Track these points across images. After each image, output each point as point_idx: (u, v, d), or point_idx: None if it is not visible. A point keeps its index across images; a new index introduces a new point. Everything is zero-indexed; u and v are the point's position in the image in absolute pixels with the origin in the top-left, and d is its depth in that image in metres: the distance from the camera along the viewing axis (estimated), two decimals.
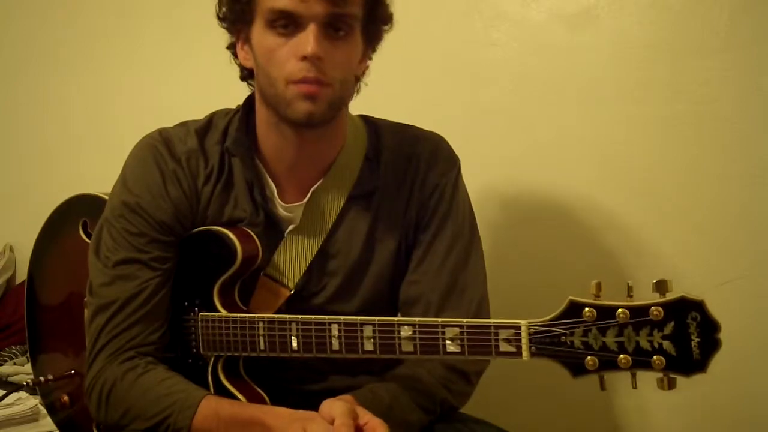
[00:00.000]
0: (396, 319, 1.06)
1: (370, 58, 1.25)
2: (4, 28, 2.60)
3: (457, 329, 1.01)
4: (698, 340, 0.91)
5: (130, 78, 2.30)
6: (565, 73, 1.65)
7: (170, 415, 1.11)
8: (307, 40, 1.09)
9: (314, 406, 1.04)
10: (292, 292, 1.22)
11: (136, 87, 2.29)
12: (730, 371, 1.50)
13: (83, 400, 1.27)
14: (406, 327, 1.04)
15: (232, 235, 1.19)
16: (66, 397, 1.47)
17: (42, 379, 1.49)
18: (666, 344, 0.91)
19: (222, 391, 1.17)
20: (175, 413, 1.11)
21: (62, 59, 2.44)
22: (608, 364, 0.94)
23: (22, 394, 1.75)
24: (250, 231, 1.22)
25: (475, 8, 1.74)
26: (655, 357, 0.92)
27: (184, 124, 1.29)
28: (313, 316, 1.11)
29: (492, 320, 1.00)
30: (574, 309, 0.95)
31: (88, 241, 1.30)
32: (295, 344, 1.11)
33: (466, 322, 1.01)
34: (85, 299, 1.25)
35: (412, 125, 1.33)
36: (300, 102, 1.11)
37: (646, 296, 0.94)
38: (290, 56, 1.10)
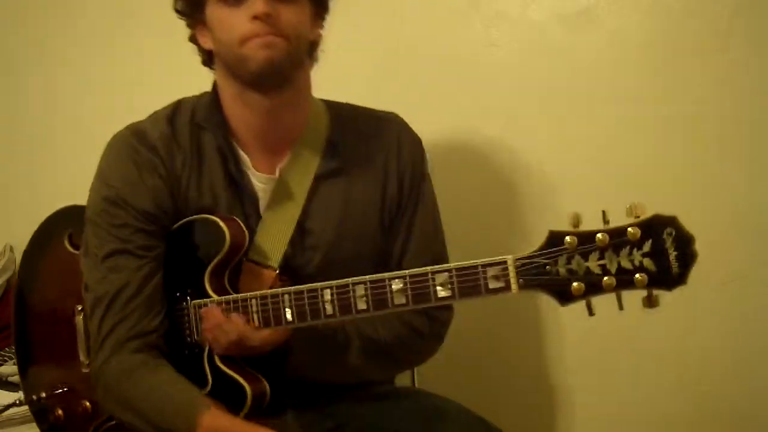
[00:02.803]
0: (387, 274, 1.07)
1: (322, 27, 1.30)
2: (8, 29, 2.59)
3: (446, 274, 1.03)
4: (676, 253, 0.93)
5: (138, 78, 2.29)
6: (564, 73, 1.65)
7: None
8: (256, 1, 1.16)
9: (310, 390, 1.13)
10: (277, 272, 1.24)
11: (142, 88, 2.29)
12: (730, 371, 1.51)
13: (78, 412, 1.28)
14: (397, 280, 1.05)
15: (218, 220, 1.21)
16: (60, 411, 1.44)
17: (35, 397, 1.46)
18: (646, 261, 0.93)
19: (220, 377, 1.18)
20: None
21: (67, 59, 2.43)
22: (593, 287, 0.95)
23: (22, 394, 1.75)
24: (232, 216, 1.24)
25: (475, 8, 1.74)
26: (637, 275, 0.93)
27: (152, 114, 1.32)
28: (304, 286, 1.13)
29: (479, 260, 1.02)
30: (555, 239, 0.97)
31: (74, 252, 1.32)
32: (289, 315, 1.13)
33: (455, 266, 1.03)
34: (83, 300, 1.27)
35: (366, 107, 1.37)
36: (258, 52, 1.16)
37: None
38: (242, 20, 1.16)
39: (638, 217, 0.94)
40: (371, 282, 1.07)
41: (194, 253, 1.23)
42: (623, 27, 1.60)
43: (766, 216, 1.49)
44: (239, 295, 1.18)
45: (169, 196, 1.25)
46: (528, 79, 1.69)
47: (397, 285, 1.05)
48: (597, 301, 0.97)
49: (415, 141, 1.36)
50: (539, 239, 0.99)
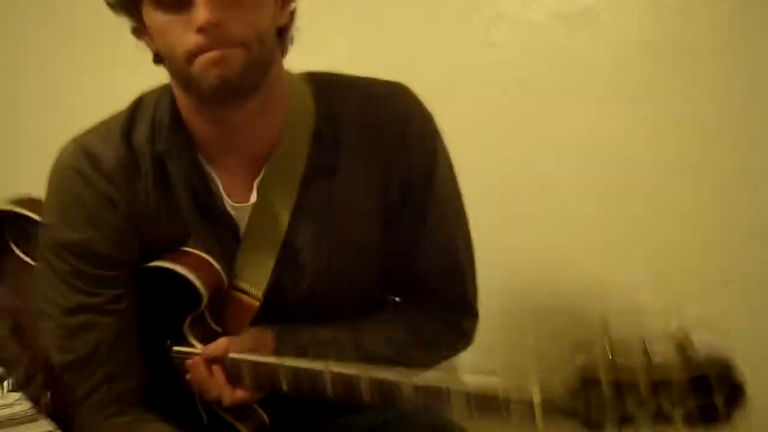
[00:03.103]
0: (395, 376, 0.94)
1: (293, 0, 1.07)
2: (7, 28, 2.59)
3: (463, 398, 0.90)
4: (723, 398, 0.83)
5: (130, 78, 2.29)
6: (565, 73, 1.65)
7: None
8: (198, 8, 0.92)
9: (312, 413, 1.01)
10: (261, 301, 1.11)
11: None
12: None
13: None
14: (407, 388, 0.93)
15: (190, 277, 1.06)
16: (48, 396, 1.39)
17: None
18: (689, 404, 0.82)
19: (215, 416, 1.11)
20: None
21: (70, 55, 2.42)
22: (626, 423, 0.84)
23: (23, 393, 1.75)
24: (207, 258, 1.08)
25: (475, 8, 1.74)
26: (676, 415, 0.83)
27: (103, 125, 1.12)
28: (303, 364, 0.99)
29: (500, 387, 0.89)
30: (587, 374, 0.84)
31: (27, 259, 1.21)
32: (285, 387, 1.02)
33: (473, 393, 0.90)
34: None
35: (364, 78, 1.15)
36: (208, 71, 0.94)
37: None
38: (186, 30, 0.94)
39: (686, 355, 0.81)
40: (380, 386, 0.95)
41: (168, 303, 1.09)
42: (623, 27, 1.60)
43: (765, 216, 1.49)
44: (228, 357, 1.06)
45: (134, 233, 1.08)
46: (528, 79, 1.69)
47: (407, 392, 0.93)
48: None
49: (425, 120, 1.14)
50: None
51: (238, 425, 1.11)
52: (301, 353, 1.05)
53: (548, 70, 1.67)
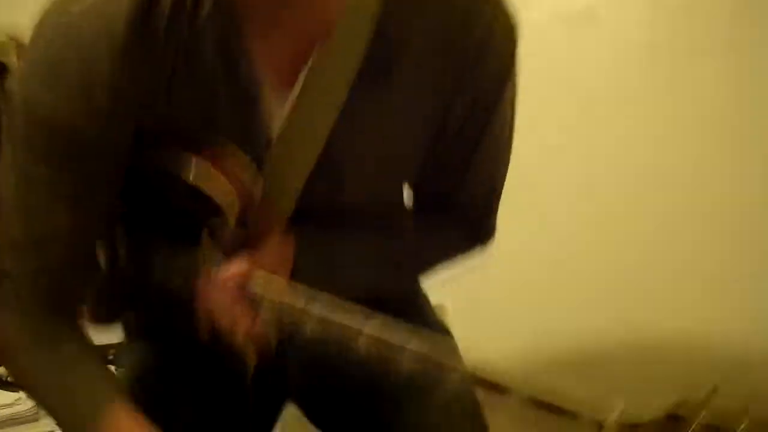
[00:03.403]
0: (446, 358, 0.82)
1: None
2: None
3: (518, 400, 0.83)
4: None
5: None
6: (565, 73, 1.65)
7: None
8: None
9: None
10: (293, 210, 0.96)
11: None
12: (730, 371, 1.50)
13: None
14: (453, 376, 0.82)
15: (215, 191, 0.90)
16: None
17: None
18: None
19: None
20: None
21: None
22: None
23: (22, 393, 1.75)
24: (235, 168, 0.92)
25: None
26: None
27: None
28: (337, 317, 0.86)
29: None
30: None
31: None
32: (309, 333, 0.87)
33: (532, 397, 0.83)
34: None
35: None
36: None
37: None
38: None
39: None
40: (424, 364, 0.81)
41: (188, 203, 0.91)
42: (623, 27, 1.60)
43: (765, 215, 1.49)
44: (250, 289, 0.89)
45: (131, 122, 0.85)
46: (528, 79, 1.69)
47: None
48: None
49: (507, 39, 0.97)
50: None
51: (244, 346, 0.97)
52: (323, 262, 0.97)
53: (548, 70, 1.67)
